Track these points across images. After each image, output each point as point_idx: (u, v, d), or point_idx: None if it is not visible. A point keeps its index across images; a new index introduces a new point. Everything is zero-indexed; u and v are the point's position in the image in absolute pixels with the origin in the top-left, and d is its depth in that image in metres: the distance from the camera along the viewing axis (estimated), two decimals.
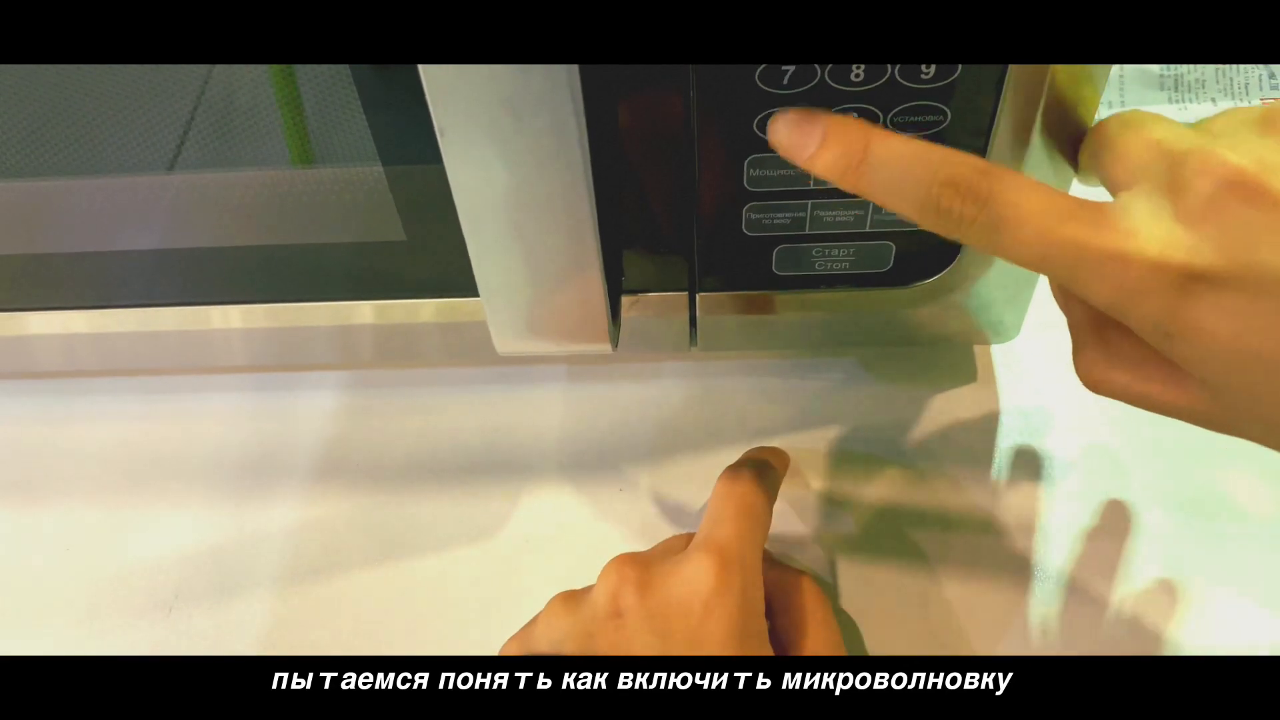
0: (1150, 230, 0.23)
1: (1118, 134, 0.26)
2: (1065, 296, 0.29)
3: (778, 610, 0.32)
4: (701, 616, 0.28)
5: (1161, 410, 0.27)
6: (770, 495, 0.33)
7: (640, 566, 0.30)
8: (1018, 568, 0.37)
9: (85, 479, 0.43)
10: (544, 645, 0.30)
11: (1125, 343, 0.27)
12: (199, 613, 0.39)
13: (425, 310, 0.37)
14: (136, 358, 0.41)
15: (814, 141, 0.25)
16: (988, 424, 0.41)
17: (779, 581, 0.33)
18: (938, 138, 0.30)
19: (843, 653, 0.32)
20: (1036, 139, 0.29)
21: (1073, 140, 0.29)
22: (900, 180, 0.25)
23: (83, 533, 0.41)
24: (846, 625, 0.36)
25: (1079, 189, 0.28)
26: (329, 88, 0.30)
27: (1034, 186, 0.24)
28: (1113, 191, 0.25)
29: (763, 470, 0.34)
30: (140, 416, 0.45)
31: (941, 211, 0.24)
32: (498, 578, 0.39)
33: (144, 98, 0.31)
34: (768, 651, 0.29)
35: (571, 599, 0.31)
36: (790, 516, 0.39)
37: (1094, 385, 0.28)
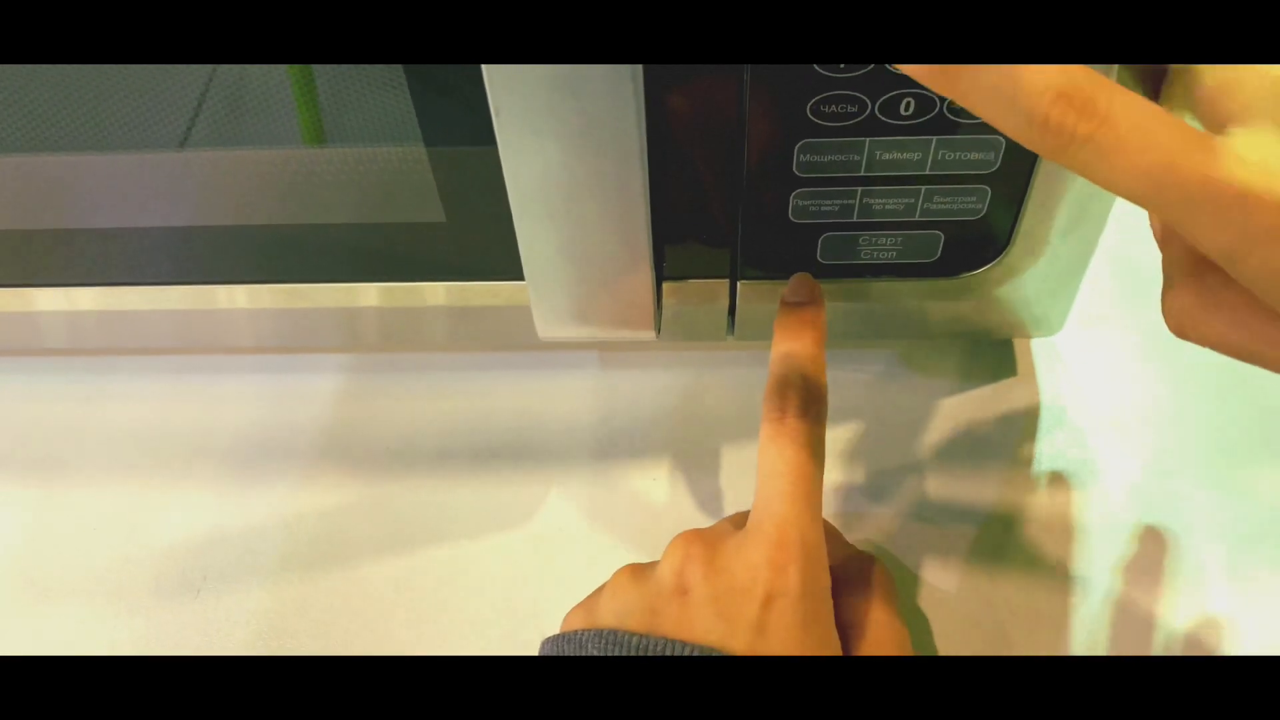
0: (1275, 170, 0.21)
1: (1214, 69, 0.23)
2: (1166, 232, 0.27)
3: (843, 592, 0.31)
4: (764, 603, 0.28)
5: (1260, 363, 0.25)
6: (820, 440, 0.31)
7: (706, 544, 0.29)
8: (1054, 566, 0.37)
9: (112, 458, 0.42)
10: (609, 617, 0.30)
11: (1227, 289, 0.24)
12: (228, 596, 0.38)
13: (460, 293, 0.37)
14: (149, 336, 0.40)
15: None
16: (1029, 420, 0.40)
17: (847, 563, 0.33)
18: None
19: (908, 646, 0.31)
20: None
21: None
22: (1009, 85, 0.21)
23: (110, 512, 0.41)
24: None
25: None
26: (344, 66, 0.29)
27: (1155, 110, 0.22)
28: (1219, 127, 0.23)
29: (806, 406, 0.31)
30: (165, 396, 0.44)
31: (1051, 126, 0.22)
32: (529, 567, 0.38)
33: (156, 73, 0.30)
34: (833, 638, 0.29)
35: (639, 571, 0.31)
36: (825, 509, 0.39)
37: (1182, 331, 0.26)
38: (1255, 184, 0.21)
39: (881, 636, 0.31)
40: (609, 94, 0.23)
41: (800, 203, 0.32)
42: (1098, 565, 0.37)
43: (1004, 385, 0.41)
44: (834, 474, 0.40)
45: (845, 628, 0.31)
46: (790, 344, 0.32)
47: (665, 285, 0.35)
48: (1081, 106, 0.21)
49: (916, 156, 0.30)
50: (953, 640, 0.36)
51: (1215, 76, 0.24)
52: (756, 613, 0.28)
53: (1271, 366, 0.25)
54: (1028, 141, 0.22)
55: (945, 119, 0.29)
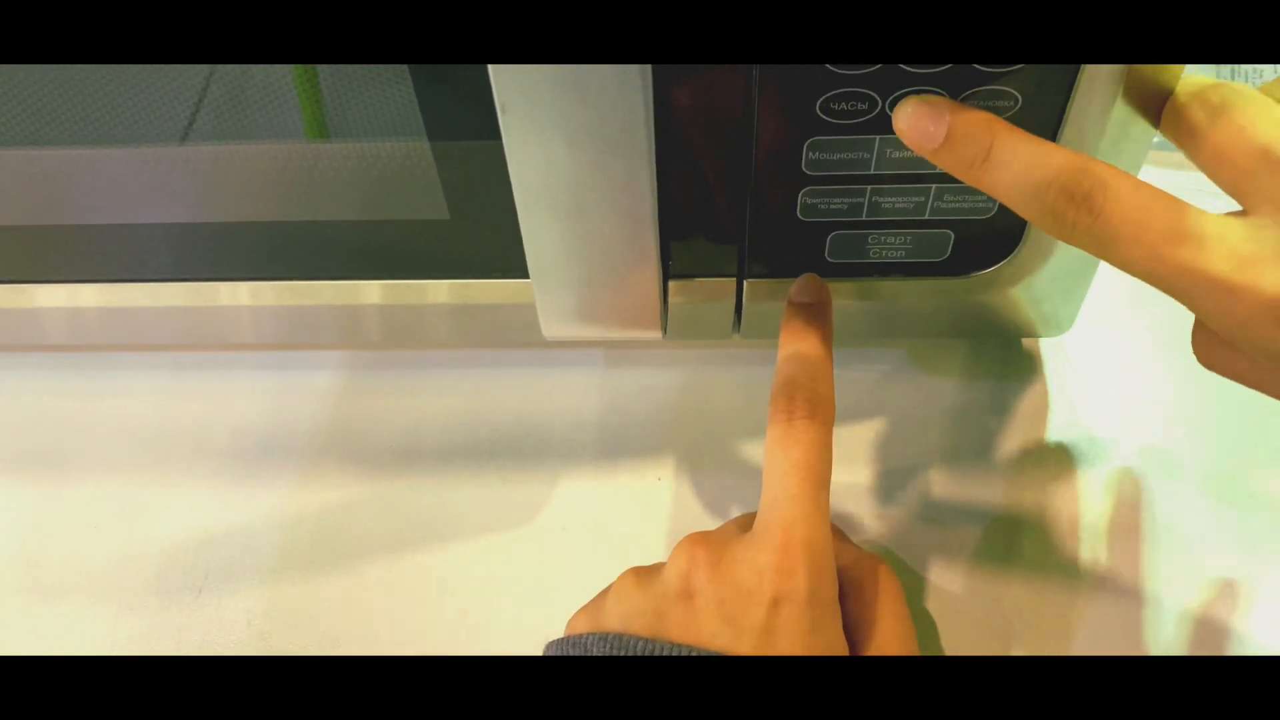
0: (1262, 262, 0.23)
1: (1209, 127, 0.25)
2: None
3: (851, 596, 0.31)
4: (771, 607, 0.27)
5: (1276, 395, 0.27)
6: (827, 442, 0.30)
7: (712, 547, 0.29)
8: (1062, 567, 0.36)
9: (112, 455, 0.42)
10: (613, 620, 0.30)
11: None
12: (229, 595, 0.38)
13: (463, 290, 0.37)
14: (150, 333, 0.40)
15: (940, 134, 0.26)
16: (1036, 420, 0.40)
17: (854, 566, 0.32)
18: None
19: (915, 649, 0.31)
20: (1111, 126, 0.28)
21: (1154, 113, 0.28)
22: (1020, 180, 0.25)
23: (110, 509, 0.40)
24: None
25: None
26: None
27: (1151, 200, 0.24)
28: (1239, 196, 0.25)
29: (813, 408, 0.30)
30: (167, 393, 0.44)
31: (1056, 216, 0.25)
32: (531, 567, 0.38)
33: (157, 67, 0.30)
34: (840, 642, 0.29)
35: (643, 575, 0.30)
36: (831, 510, 0.38)
37: (1209, 365, 0.28)
38: (1235, 277, 0.23)
39: (889, 640, 0.30)
40: (617, 91, 0.23)
41: (809, 201, 0.32)
42: (1105, 566, 0.36)
43: (1011, 385, 0.41)
44: (840, 475, 0.39)
45: (852, 631, 0.30)
46: (797, 345, 0.31)
47: (671, 284, 0.35)
48: (1081, 200, 0.24)
49: None
50: (960, 642, 0.35)
51: (1194, 134, 0.26)
52: (763, 617, 0.27)
53: None
54: (1041, 227, 0.25)
55: None
